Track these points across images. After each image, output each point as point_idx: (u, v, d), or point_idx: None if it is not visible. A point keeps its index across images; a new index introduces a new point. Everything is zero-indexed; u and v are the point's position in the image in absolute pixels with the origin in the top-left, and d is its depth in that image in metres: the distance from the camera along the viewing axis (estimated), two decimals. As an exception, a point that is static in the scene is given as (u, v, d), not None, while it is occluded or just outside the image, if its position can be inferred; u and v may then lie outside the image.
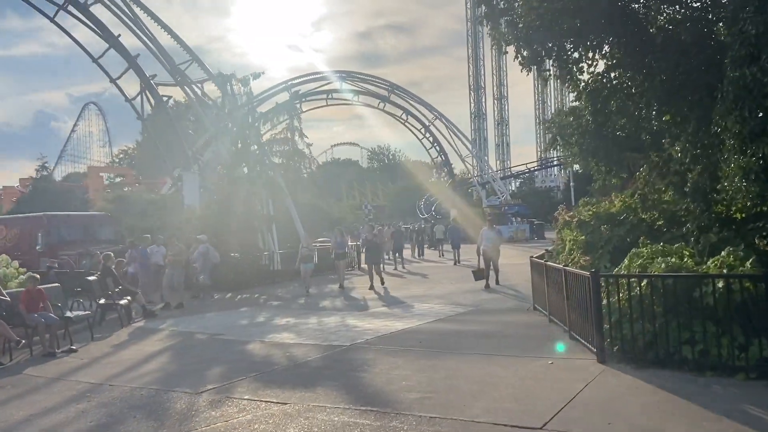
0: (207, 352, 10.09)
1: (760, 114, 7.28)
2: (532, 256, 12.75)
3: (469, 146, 63.70)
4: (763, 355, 6.59)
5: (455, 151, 60.22)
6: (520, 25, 9.88)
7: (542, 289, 11.21)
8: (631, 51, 9.64)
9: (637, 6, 10.09)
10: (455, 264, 25.15)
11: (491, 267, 16.36)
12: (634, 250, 8.60)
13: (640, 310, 7.38)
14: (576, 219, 11.20)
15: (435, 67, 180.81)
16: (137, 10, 25.21)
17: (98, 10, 23.93)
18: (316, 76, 51.38)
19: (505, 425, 5.71)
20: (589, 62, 10.14)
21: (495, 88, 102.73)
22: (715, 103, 7.95)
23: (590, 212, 11.17)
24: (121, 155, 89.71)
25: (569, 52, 10.13)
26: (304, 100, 48.46)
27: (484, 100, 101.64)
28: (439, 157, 61.91)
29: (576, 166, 29.54)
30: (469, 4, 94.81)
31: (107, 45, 23.65)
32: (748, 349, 6.69)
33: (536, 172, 78.74)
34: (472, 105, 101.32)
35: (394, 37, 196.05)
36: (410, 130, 59.00)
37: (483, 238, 16.44)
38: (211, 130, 27.35)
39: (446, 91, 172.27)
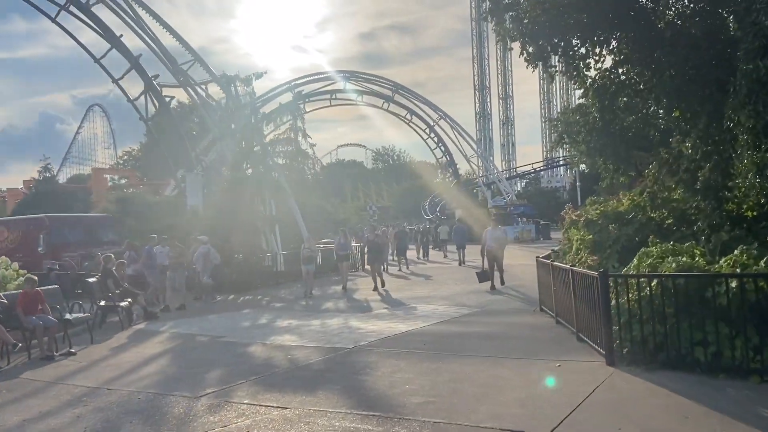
0: (208, 354, 9.93)
1: (774, 108, 7.06)
2: (538, 257, 12.54)
3: (474, 146, 63.53)
4: (778, 356, 6.38)
5: (460, 151, 60.08)
6: (526, 21, 9.70)
7: (549, 290, 11.00)
8: (640, 46, 9.44)
9: (644, 0, 9.89)
10: (460, 264, 24.95)
11: (495, 268, 16.13)
12: (643, 249, 8.39)
13: (650, 311, 7.17)
14: (583, 218, 10.98)
15: (438, 67, 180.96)
16: (140, 10, 25.15)
17: (100, 12, 23.89)
18: (320, 76, 51.34)
19: (511, 431, 5.51)
20: (596, 58, 9.97)
21: (500, 88, 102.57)
22: (727, 97, 7.74)
23: (598, 211, 10.95)
24: (126, 157, 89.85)
25: (576, 48, 9.95)
26: (307, 100, 48.39)
27: (489, 99, 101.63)
28: (444, 158, 61.73)
29: (582, 166, 29.33)
30: (473, 2, 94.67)
31: (109, 46, 23.55)
32: (762, 351, 6.49)
33: (542, 172, 78.43)
34: (477, 105, 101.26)
35: (397, 38, 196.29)
36: (415, 131, 58.93)
37: (487, 238, 16.21)
38: (215, 132, 27.26)
39: (450, 91, 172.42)
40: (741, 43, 7.75)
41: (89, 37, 24.44)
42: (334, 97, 52.57)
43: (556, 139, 18.94)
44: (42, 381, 8.47)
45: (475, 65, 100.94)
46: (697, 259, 7.59)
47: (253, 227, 22.02)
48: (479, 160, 63.50)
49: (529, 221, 48.59)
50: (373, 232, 21.50)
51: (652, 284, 7.21)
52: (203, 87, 27.20)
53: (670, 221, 9.94)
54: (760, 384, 6.37)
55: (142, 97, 24.71)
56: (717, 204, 8.82)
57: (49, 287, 11.88)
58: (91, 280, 13.50)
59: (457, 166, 63.38)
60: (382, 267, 20.23)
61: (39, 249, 20.72)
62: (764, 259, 6.97)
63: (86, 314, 11.90)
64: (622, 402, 6.16)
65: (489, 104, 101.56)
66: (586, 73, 10.26)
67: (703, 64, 8.85)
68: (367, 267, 21.43)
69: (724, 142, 8.19)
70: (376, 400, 6.73)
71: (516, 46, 10.38)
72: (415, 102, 56.52)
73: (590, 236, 10.45)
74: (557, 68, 11.55)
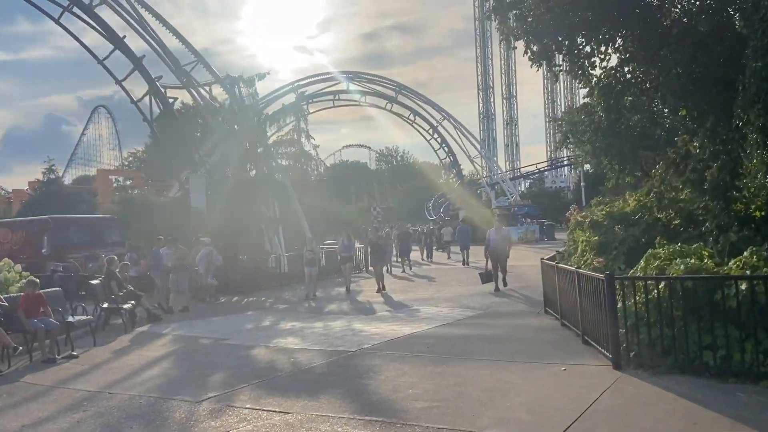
0: (210, 357, 9.86)
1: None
2: (542, 258, 12.42)
3: (478, 147, 63.26)
4: (790, 360, 6.25)
5: (464, 151, 59.78)
6: (530, 19, 9.57)
7: (554, 292, 10.89)
8: (646, 44, 9.30)
9: (650, -3, 9.76)
10: (464, 265, 24.84)
11: (499, 269, 16.00)
12: (650, 251, 8.26)
13: (657, 314, 7.06)
14: (589, 219, 10.85)
15: (441, 67, 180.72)
16: (143, 11, 25.11)
17: (104, 13, 23.85)
18: (323, 76, 51.14)
19: (517, 437, 5.42)
20: (602, 56, 9.82)
21: (503, 88, 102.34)
22: (736, 95, 7.60)
23: (603, 212, 10.82)
24: (131, 158, 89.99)
25: (581, 46, 9.81)
26: (311, 101, 48.20)
27: (492, 99, 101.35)
28: (448, 158, 61.46)
29: (587, 166, 29.13)
30: (476, 1, 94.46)
31: (112, 47, 23.50)
32: (773, 355, 6.35)
33: (546, 173, 78.18)
34: (481, 105, 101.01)
35: (400, 38, 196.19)
36: (418, 131, 58.61)
37: (491, 239, 16.08)
38: (219, 133, 27.20)
39: (453, 91, 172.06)
40: (749, 41, 7.61)
41: (93, 38, 24.51)
42: (337, 97, 52.41)
43: (561, 139, 18.79)
44: (43, 385, 8.40)
45: (479, 65, 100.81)
46: (705, 260, 7.47)
47: (256, 229, 21.96)
48: (483, 161, 63.21)
49: (533, 222, 48.42)
50: (376, 233, 21.42)
51: (660, 287, 7.08)
52: (206, 88, 27.15)
53: (677, 222, 9.81)
54: (771, 388, 6.24)
55: (146, 99, 24.65)
56: (725, 204, 8.68)
57: (51, 290, 11.83)
58: (94, 282, 13.45)
59: (461, 166, 63.07)
60: (385, 268, 20.13)
61: (43, 250, 20.70)
62: (774, 260, 6.85)
63: (89, 317, 11.83)
64: (630, 407, 6.04)
65: (492, 104, 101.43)
66: (591, 71, 10.12)
67: (710, 62, 8.72)
68: (371, 268, 21.34)
69: (732, 141, 8.06)
70: (379, 404, 6.63)
71: (520, 45, 10.24)
72: (418, 102, 56.28)
73: (596, 237, 10.33)
74: (562, 67, 11.44)
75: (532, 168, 78.45)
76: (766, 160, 7.06)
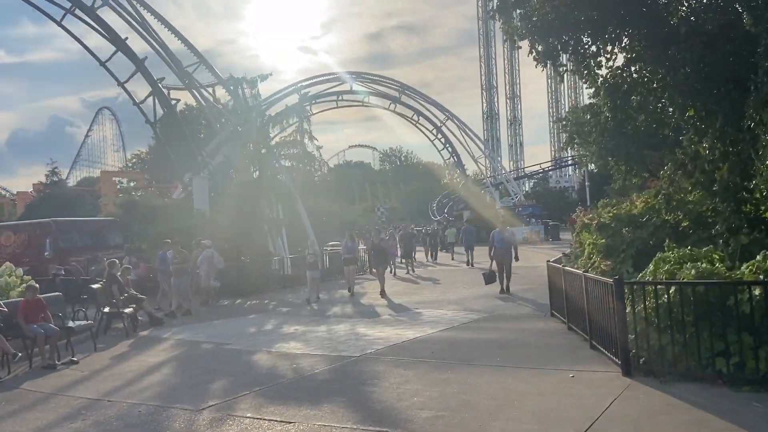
0: (211, 363, 9.72)
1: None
2: (548, 260, 12.24)
3: (482, 147, 63.08)
4: (806, 368, 6.07)
5: (468, 151, 59.64)
6: (535, 18, 9.41)
7: (560, 295, 10.71)
8: (653, 43, 9.13)
9: (657, -4, 9.58)
10: (468, 266, 24.66)
11: (504, 271, 15.80)
12: (659, 254, 8.07)
13: (668, 320, 6.87)
14: (596, 221, 10.68)
15: (445, 67, 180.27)
16: (145, 13, 25.07)
17: (106, 15, 23.80)
18: (327, 77, 51.05)
19: (525, 449, 5.26)
20: (608, 56, 9.66)
21: (507, 87, 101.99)
22: (745, 95, 7.42)
23: (610, 214, 10.65)
24: (135, 160, 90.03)
25: (586, 46, 9.65)
26: (314, 102, 48.12)
27: (496, 99, 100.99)
28: (452, 158, 61.32)
29: (591, 166, 28.90)
30: (480, 1, 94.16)
31: (114, 48, 23.44)
32: (788, 362, 6.17)
33: (550, 172, 77.86)
34: (485, 105, 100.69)
35: (404, 38, 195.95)
36: (422, 131, 58.53)
37: (494, 240, 15.88)
38: (221, 134, 27.12)
39: (457, 91, 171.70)
40: (760, 39, 7.44)
41: (96, 40, 24.42)
42: (340, 98, 52.31)
43: (566, 139, 18.60)
44: (42, 392, 8.28)
45: (483, 65, 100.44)
46: (716, 265, 7.28)
47: (259, 230, 21.85)
48: (487, 161, 63.10)
49: (538, 222, 48.19)
50: (379, 235, 21.28)
51: (671, 291, 6.91)
52: (209, 90, 27.10)
53: (686, 224, 9.62)
54: (787, 397, 6.07)
55: (149, 101, 24.58)
56: (735, 206, 8.50)
57: (51, 294, 11.72)
58: (95, 286, 13.33)
59: (465, 166, 62.97)
60: (389, 270, 19.96)
61: (45, 253, 20.68)
62: (788, 265, 6.66)
63: (89, 322, 11.72)
64: (642, 417, 5.85)
65: (496, 104, 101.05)
66: (597, 71, 9.94)
67: (719, 61, 8.54)
68: (374, 270, 21.17)
69: (742, 141, 7.88)
70: (382, 413, 6.48)
71: (524, 44, 10.08)
72: (422, 102, 56.17)
73: (603, 240, 10.16)
74: (567, 67, 11.27)
75: (537, 168, 78.20)
76: (779, 161, 6.89)
